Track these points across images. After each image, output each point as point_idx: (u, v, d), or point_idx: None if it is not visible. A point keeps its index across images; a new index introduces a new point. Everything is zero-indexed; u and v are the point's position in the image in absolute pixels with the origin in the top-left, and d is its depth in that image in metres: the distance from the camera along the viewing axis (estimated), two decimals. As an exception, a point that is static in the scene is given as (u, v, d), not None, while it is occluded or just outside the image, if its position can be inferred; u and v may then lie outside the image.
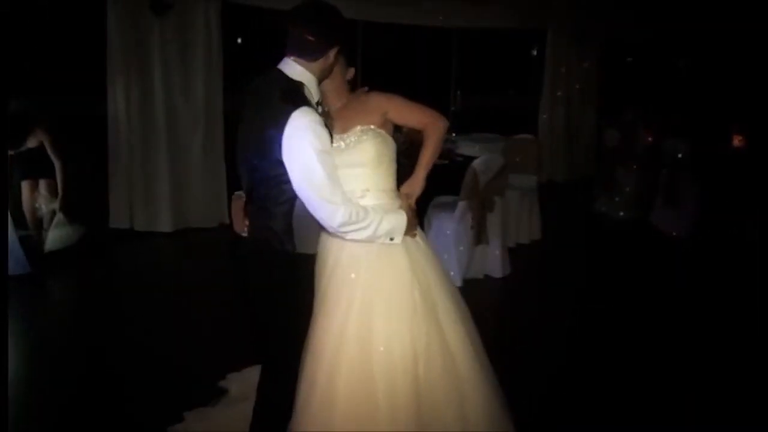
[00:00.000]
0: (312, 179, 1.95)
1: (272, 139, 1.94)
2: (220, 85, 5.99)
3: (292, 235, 2.09)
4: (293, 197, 2.04)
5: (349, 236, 2.09)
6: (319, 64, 2.10)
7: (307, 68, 2.08)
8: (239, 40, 7.60)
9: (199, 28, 5.74)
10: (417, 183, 2.39)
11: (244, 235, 2.20)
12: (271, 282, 2.15)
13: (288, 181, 2.00)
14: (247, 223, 2.16)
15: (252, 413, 2.35)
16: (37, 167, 5.00)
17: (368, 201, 2.24)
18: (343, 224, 2.02)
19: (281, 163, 1.96)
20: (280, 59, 2.10)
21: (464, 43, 7.98)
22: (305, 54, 2.06)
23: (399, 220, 2.19)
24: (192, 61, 5.79)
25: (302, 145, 1.92)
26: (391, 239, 2.18)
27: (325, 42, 2.07)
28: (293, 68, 2.07)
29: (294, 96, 1.99)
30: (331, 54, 2.11)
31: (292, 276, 2.16)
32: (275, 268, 2.14)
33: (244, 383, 2.96)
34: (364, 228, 2.08)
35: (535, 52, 8.82)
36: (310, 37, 2.04)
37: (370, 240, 2.14)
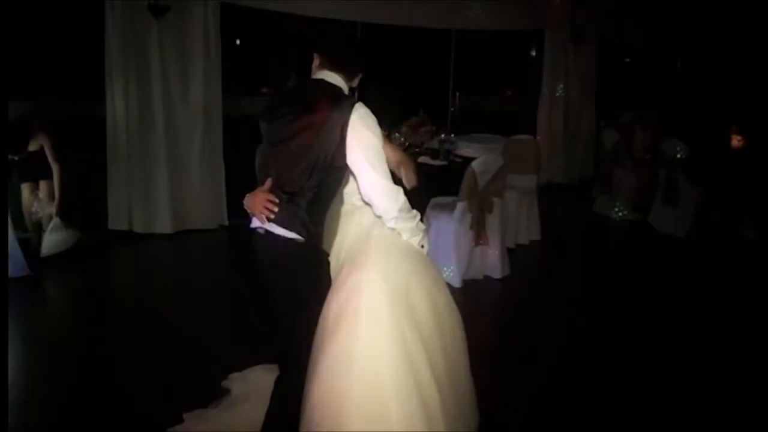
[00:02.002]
0: (381, 160, 2.20)
1: (330, 132, 2.17)
2: (219, 86, 5.98)
3: (322, 231, 2.27)
4: (334, 194, 2.28)
5: (399, 223, 2.27)
6: (351, 83, 2.40)
7: (345, 82, 2.36)
8: (238, 42, 7.60)
9: (198, 30, 5.74)
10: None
11: (265, 225, 2.27)
12: (288, 275, 2.26)
13: (327, 175, 2.21)
14: (276, 210, 2.23)
15: (265, 414, 2.36)
16: (37, 170, 5.01)
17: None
18: (402, 209, 2.24)
19: (334, 156, 2.18)
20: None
21: (463, 44, 7.98)
22: (348, 71, 2.36)
23: (425, 230, 2.39)
24: (190, 63, 5.78)
25: (369, 131, 2.19)
26: (422, 246, 2.35)
27: (363, 66, 2.42)
28: (336, 79, 2.34)
29: (346, 95, 2.30)
30: (358, 78, 2.43)
31: (309, 269, 2.27)
32: (295, 260, 2.24)
33: (246, 383, 2.97)
34: (412, 218, 2.30)
35: (533, 53, 8.82)
36: (358, 60, 2.39)
37: (413, 233, 2.31)
